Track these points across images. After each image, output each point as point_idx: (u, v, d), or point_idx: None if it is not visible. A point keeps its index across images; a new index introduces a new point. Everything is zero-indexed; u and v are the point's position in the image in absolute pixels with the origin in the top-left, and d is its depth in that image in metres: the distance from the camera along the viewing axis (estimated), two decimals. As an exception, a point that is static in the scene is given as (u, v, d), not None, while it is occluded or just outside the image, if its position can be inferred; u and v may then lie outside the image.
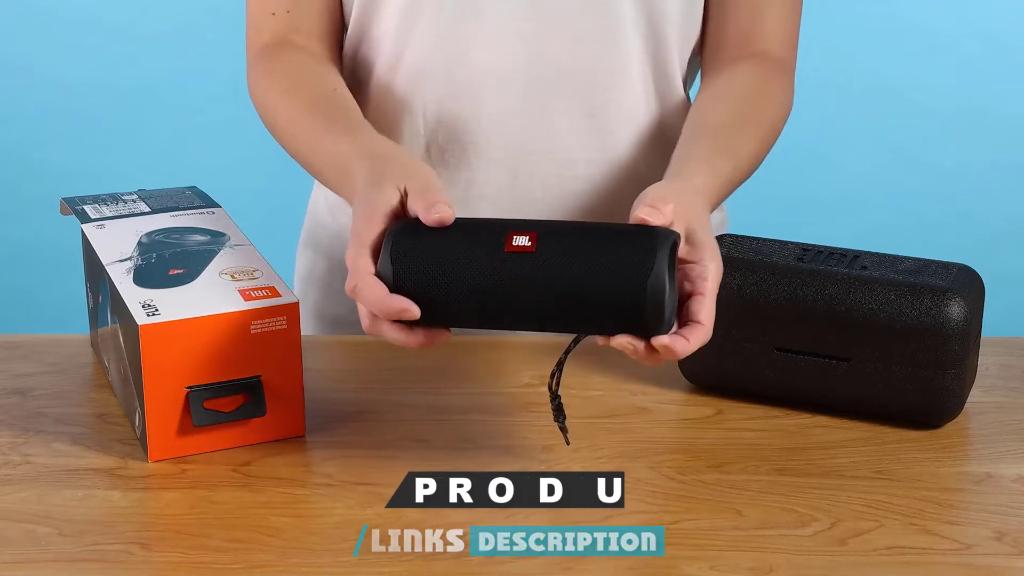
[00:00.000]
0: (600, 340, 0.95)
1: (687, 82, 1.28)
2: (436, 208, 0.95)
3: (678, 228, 0.96)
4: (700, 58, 1.28)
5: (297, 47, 1.23)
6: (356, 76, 1.27)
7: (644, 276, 0.91)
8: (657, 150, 1.26)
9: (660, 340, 0.92)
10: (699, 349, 0.98)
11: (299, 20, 1.24)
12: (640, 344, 0.93)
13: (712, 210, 1.06)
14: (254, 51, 1.25)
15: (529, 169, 1.24)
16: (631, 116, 1.24)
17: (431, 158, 1.25)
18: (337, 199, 1.32)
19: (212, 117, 2.93)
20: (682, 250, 0.96)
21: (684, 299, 0.95)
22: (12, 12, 2.99)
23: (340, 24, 1.27)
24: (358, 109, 1.16)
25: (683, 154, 1.11)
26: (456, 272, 0.93)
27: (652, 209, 0.95)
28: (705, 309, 0.94)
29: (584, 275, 0.92)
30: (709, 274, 0.95)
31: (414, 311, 0.93)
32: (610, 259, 0.92)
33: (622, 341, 0.93)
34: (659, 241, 0.92)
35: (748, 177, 1.16)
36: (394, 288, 0.94)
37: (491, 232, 0.95)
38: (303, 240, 1.40)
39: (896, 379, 1.06)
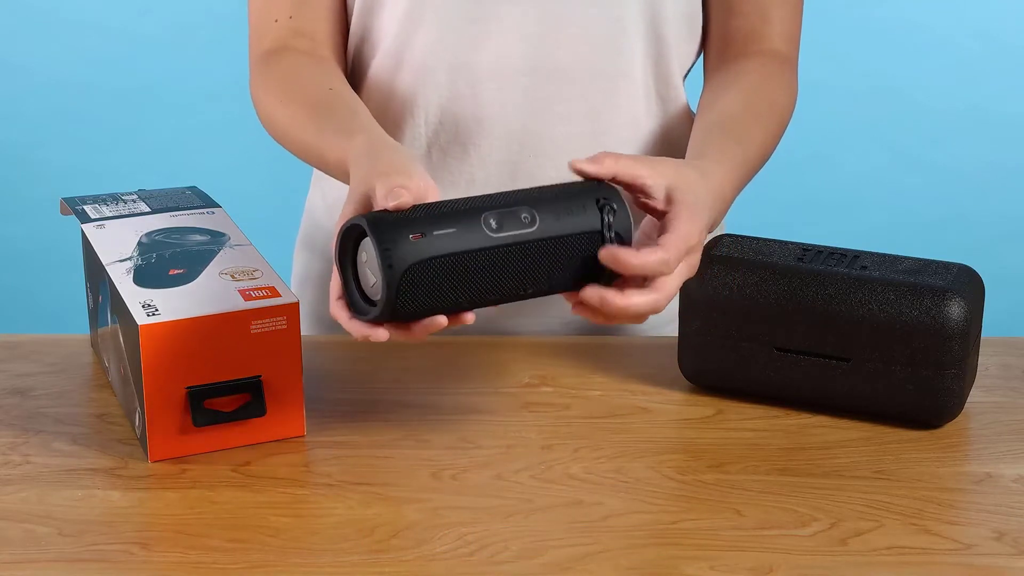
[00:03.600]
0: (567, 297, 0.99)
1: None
2: (393, 194, 0.96)
3: (658, 184, 1.00)
4: (704, 57, 1.28)
5: (298, 51, 1.23)
6: (357, 77, 1.27)
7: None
8: (657, 153, 1.26)
9: (607, 251, 0.96)
10: (700, 350, 0.98)
11: (302, 24, 1.23)
12: (605, 292, 0.96)
13: (729, 191, 1.08)
14: (255, 58, 1.24)
15: (529, 170, 1.24)
16: (632, 119, 1.25)
17: (432, 158, 1.25)
18: (335, 200, 1.32)
19: (212, 117, 2.92)
20: (657, 204, 1.00)
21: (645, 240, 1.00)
22: (12, 12, 2.98)
23: (345, 25, 1.26)
24: (355, 104, 1.16)
25: (695, 144, 1.13)
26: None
27: (584, 160, 1.00)
28: (654, 255, 0.96)
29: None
30: (671, 228, 0.98)
31: (377, 336, 0.95)
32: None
33: (589, 293, 0.96)
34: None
35: (761, 163, 1.17)
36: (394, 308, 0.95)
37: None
38: (300, 241, 1.40)
39: (896, 379, 1.06)
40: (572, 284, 0.98)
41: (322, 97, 1.16)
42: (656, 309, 0.97)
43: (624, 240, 0.98)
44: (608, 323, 0.99)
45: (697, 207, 1.00)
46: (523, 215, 0.96)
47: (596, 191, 0.99)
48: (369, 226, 0.93)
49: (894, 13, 3.00)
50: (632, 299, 0.96)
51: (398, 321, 0.95)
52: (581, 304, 0.98)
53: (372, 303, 0.95)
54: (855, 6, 2.98)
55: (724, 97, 1.20)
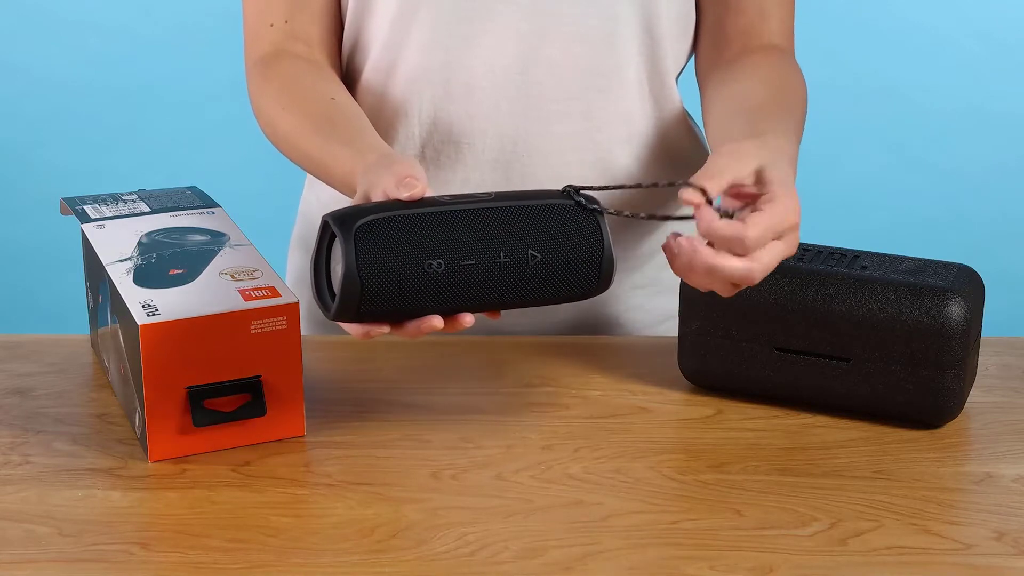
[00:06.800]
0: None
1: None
2: (406, 183, 0.96)
3: (750, 165, 0.97)
4: (696, 56, 1.28)
5: (295, 56, 1.23)
6: (351, 78, 1.27)
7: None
8: (651, 153, 1.26)
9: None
10: (699, 350, 0.97)
11: (298, 28, 1.23)
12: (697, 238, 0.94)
13: (791, 162, 1.05)
14: (252, 62, 1.24)
15: (523, 170, 1.24)
16: (626, 119, 1.24)
17: (426, 159, 1.25)
18: (329, 200, 1.32)
19: (212, 117, 2.92)
20: (751, 186, 0.97)
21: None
22: (12, 12, 2.99)
23: (339, 27, 1.26)
24: (358, 113, 1.16)
25: (720, 133, 1.12)
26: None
27: (690, 192, 0.96)
28: (757, 224, 0.94)
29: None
30: (769, 206, 0.95)
31: (377, 331, 0.95)
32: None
33: (682, 242, 0.94)
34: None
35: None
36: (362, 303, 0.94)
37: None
38: (295, 241, 1.40)
39: (896, 379, 1.06)
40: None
41: (325, 108, 1.16)
42: (750, 280, 0.95)
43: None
44: (689, 276, 0.96)
45: (788, 181, 0.98)
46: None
47: (573, 199, 0.98)
48: (337, 226, 0.93)
49: (894, 13, 3.00)
50: (726, 260, 0.94)
51: (359, 322, 0.95)
52: (668, 247, 0.96)
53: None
54: (855, 6, 2.98)
55: (745, 85, 1.18)
